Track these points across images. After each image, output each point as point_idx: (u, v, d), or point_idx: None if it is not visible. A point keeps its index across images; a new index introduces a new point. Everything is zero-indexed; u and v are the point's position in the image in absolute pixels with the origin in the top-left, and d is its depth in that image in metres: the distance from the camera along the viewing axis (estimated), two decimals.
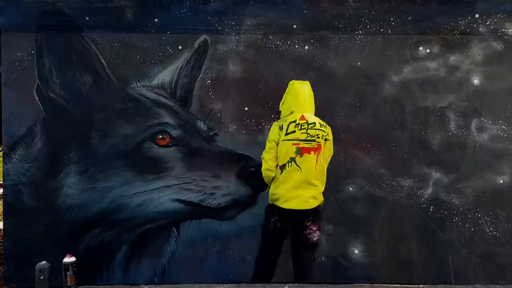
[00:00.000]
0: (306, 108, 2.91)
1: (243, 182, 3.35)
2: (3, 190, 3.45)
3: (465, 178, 3.40)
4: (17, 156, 3.37)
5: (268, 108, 3.40)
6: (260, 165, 3.00)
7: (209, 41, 3.41)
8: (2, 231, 3.70)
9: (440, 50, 3.40)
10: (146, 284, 3.30)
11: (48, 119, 3.37)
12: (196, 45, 3.41)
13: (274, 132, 2.87)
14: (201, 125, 3.41)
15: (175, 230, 3.40)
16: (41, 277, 2.86)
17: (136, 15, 3.38)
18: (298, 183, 2.79)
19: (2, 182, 3.65)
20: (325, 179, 2.96)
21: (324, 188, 3.00)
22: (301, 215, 2.82)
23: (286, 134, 2.81)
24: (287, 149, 2.80)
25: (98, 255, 3.38)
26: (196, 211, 3.38)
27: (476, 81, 3.41)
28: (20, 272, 3.35)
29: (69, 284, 2.86)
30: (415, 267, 3.41)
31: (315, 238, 2.89)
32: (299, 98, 2.91)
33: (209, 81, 3.41)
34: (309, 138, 2.80)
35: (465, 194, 3.40)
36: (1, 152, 3.46)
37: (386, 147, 3.42)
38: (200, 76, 3.41)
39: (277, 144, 2.85)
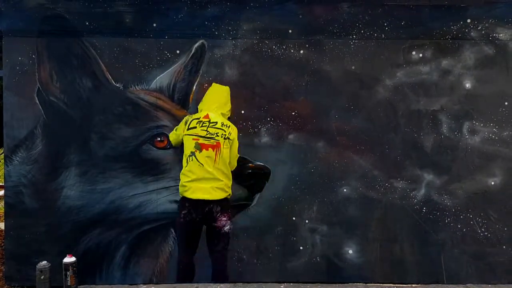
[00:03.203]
0: (214, 109, 3.13)
1: (239, 183, 3.41)
2: (5, 192, 3.51)
3: (457, 179, 3.46)
4: (18, 158, 3.43)
5: (264, 111, 3.47)
6: (258, 167, 3.36)
7: (206, 45, 3.47)
8: (3, 232, 3.76)
9: (432, 55, 3.47)
10: (144, 283, 3.34)
11: (48, 122, 3.44)
12: (193, 49, 3.47)
13: (182, 123, 3.16)
14: None
15: (173, 231, 3.46)
16: (42, 277, 2.91)
17: (135, 20, 3.45)
18: (200, 177, 2.97)
19: (3, 184, 3.70)
20: (230, 175, 3.10)
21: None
22: (207, 205, 2.96)
23: (188, 129, 3.06)
24: (189, 143, 3.03)
25: (97, 255, 3.45)
26: None
27: (468, 85, 3.47)
28: (21, 271, 3.41)
29: (69, 283, 2.91)
30: (408, 267, 3.47)
31: (226, 228, 3.03)
32: (210, 99, 3.16)
33: (206, 85, 3.47)
34: (208, 135, 3.01)
35: (457, 195, 3.46)
36: (3, 154, 3.52)
37: (379, 149, 3.48)
38: (197, 79, 3.48)
39: (181, 136, 3.12)
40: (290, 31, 3.46)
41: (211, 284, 3.02)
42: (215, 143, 2.99)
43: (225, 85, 3.28)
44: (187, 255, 3.07)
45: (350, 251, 3.48)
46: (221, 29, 3.45)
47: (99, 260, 3.45)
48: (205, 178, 2.96)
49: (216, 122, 3.05)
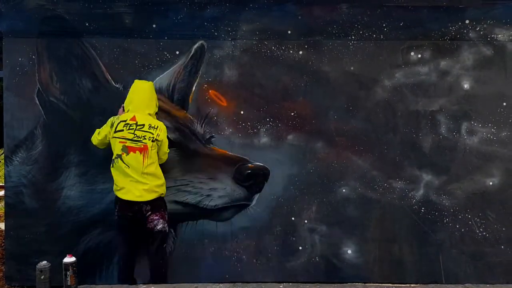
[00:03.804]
0: (140, 109, 3.11)
1: (238, 183, 3.42)
2: (5, 192, 3.52)
3: (455, 180, 3.47)
4: (18, 159, 3.45)
5: (263, 112, 3.48)
6: (257, 167, 3.38)
7: (205, 46, 3.48)
8: (3, 232, 3.77)
9: (431, 55, 3.48)
10: (144, 283, 3.36)
11: (48, 122, 3.45)
12: (193, 50, 3.48)
13: (107, 125, 3.13)
14: (198, 128, 3.48)
15: (172, 231, 3.46)
16: (42, 277, 2.92)
17: (134, 21, 3.46)
18: (128, 179, 3.01)
19: (3, 184, 3.71)
20: (160, 173, 3.12)
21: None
22: (137, 204, 3.03)
23: (115, 131, 3.05)
24: (116, 146, 3.04)
25: (97, 255, 3.46)
26: (193, 212, 3.45)
27: (466, 86, 3.48)
28: (22, 271, 3.43)
29: (69, 283, 2.92)
30: (407, 267, 3.48)
31: (159, 227, 3.07)
32: (136, 98, 3.13)
33: (205, 85, 3.49)
34: (135, 138, 3.02)
35: (455, 195, 3.47)
36: (3, 154, 3.53)
37: (378, 149, 3.49)
38: (197, 80, 3.49)
39: (108, 138, 3.11)
40: (289, 32, 3.47)
41: (211, 284, 3.04)
42: (142, 146, 3.01)
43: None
44: (125, 250, 3.14)
45: (349, 251, 3.49)
46: (220, 30, 3.47)
47: (99, 260, 3.46)
48: (133, 180, 3.00)
49: (143, 125, 3.06)
